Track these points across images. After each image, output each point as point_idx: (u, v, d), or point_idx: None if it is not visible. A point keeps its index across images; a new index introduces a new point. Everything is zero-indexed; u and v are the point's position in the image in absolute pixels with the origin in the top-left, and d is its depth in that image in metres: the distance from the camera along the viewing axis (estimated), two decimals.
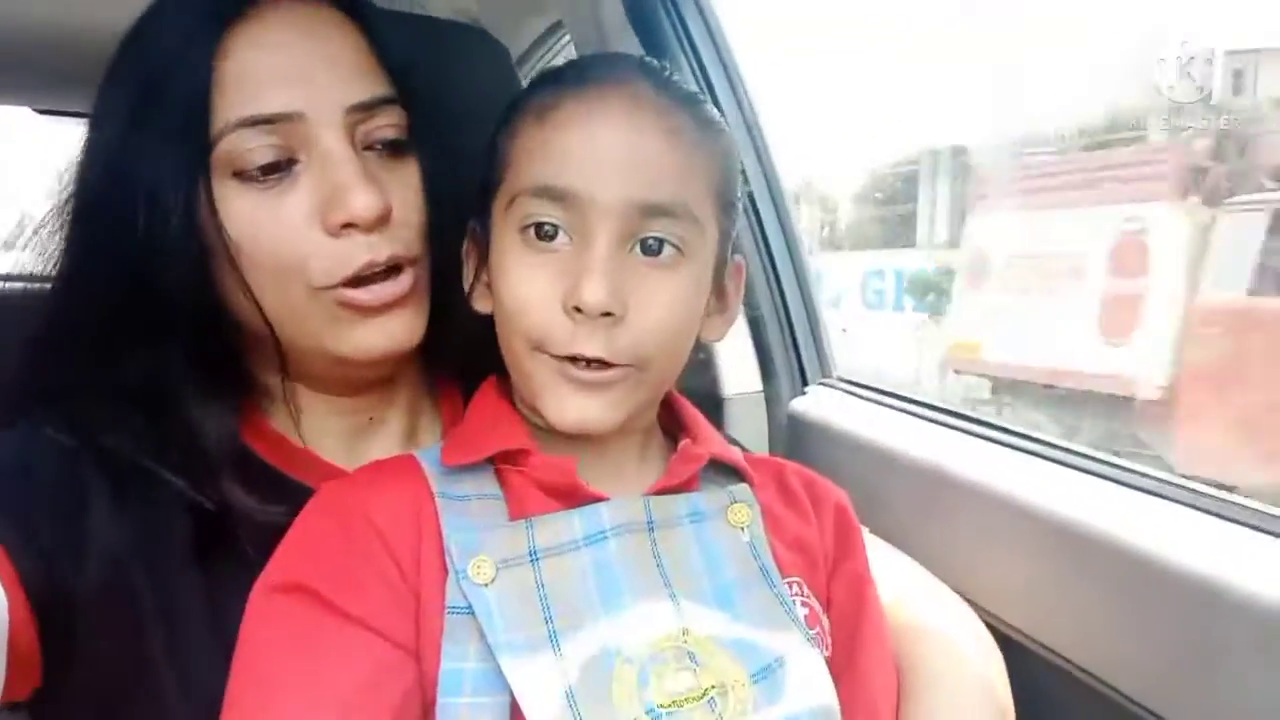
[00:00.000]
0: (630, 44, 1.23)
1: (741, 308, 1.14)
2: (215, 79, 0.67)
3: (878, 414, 1.13)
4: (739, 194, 0.70)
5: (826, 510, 0.75)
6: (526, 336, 0.63)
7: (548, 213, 0.62)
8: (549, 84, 0.66)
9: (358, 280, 0.69)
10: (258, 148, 0.67)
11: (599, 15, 1.24)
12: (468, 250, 0.72)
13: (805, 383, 1.25)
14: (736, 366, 1.25)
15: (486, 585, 0.60)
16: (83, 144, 0.73)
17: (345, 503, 0.65)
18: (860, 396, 1.19)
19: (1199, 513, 0.75)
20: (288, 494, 0.69)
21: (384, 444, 0.80)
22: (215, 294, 0.71)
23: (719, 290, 0.70)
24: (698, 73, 1.22)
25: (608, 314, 0.61)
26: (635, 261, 0.63)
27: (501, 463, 0.67)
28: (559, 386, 0.63)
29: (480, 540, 0.62)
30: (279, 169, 0.68)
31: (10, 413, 0.72)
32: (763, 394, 1.25)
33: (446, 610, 0.60)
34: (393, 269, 0.71)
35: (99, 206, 0.71)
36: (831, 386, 1.24)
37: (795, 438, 1.21)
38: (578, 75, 0.66)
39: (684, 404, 0.75)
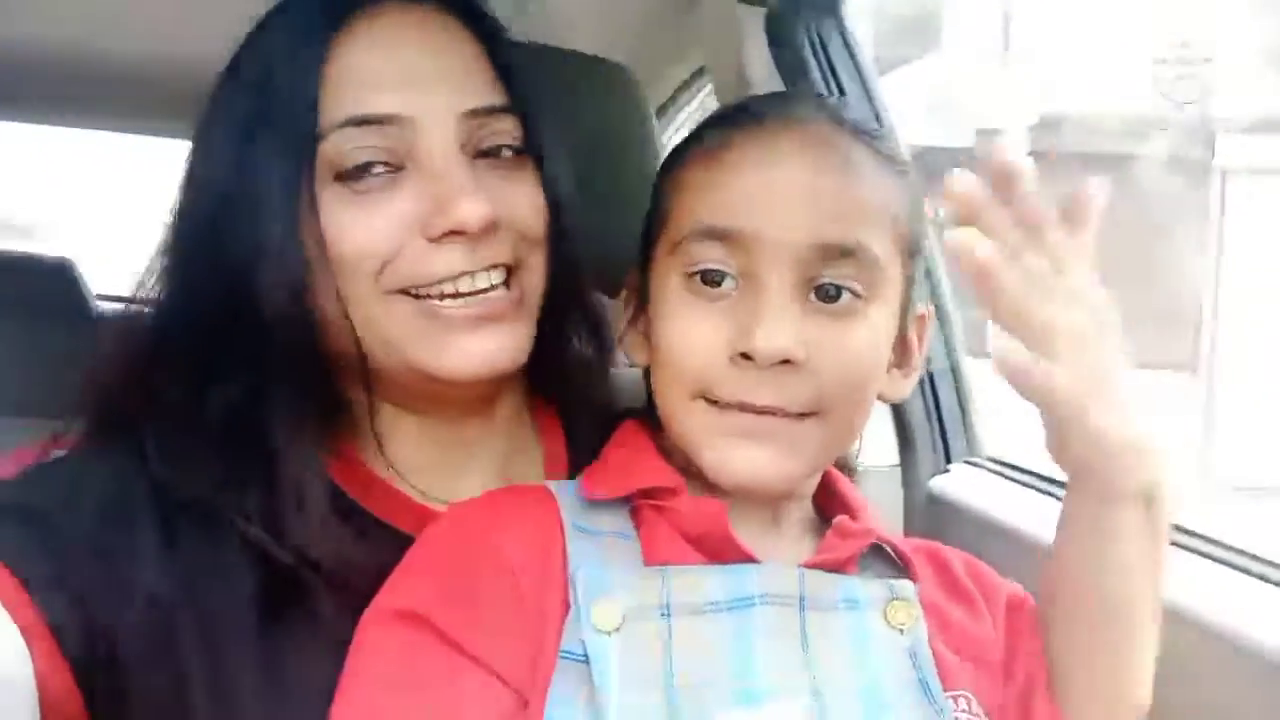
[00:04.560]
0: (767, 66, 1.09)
1: None
2: (324, 80, 0.61)
3: (1034, 501, 0.92)
4: (924, 238, 0.60)
5: (998, 604, 0.61)
6: (687, 384, 0.56)
7: (715, 257, 0.56)
8: (719, 124, 0.60)
9: (453, 293, 0.61)
10: (362, 148, 0.61)
11: (743, 63, 1.10)
12: (626, 297, 0.64)
13: (949, 460, 1.06)
14: (871, 435, 1.05)
15: (610, 633, 0.52)
16: (189, 156, 0.67)
17: (472, 530, 0.57)
18: (1014, 480, 0.98)
19: None
20: (370, 535, 0.61)
21: (478, 481, 0.68)
22: (309, 308, 0.62)
23: (901, 342, 0.60)
24: None
25: (785, 361, 0.53)
26: (812, 309, 0.55)
27: (642, 503, 0.58)
28: (722, 437, 0.55)
29: (610, 580, 0.54)
30: (382, 174, 0.61)
31: (93, 434, 0.66)
32: (899, 468, 1.06)
33: (560, 654, 0.52)
34: (497, 284, 0.62)
35: (204, 216, 0.65)
36: (979, 466, 1.04)
37: (934, 520, 1.02)
38: (751, 114, 0.60)
39: (840, 477, 0.63)
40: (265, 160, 0.61)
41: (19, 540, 0.58)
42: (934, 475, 1.04)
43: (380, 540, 0.60)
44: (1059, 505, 0.88)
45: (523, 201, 0.65)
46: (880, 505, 1.01)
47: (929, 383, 1.06)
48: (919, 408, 1.05)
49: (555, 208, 0.66)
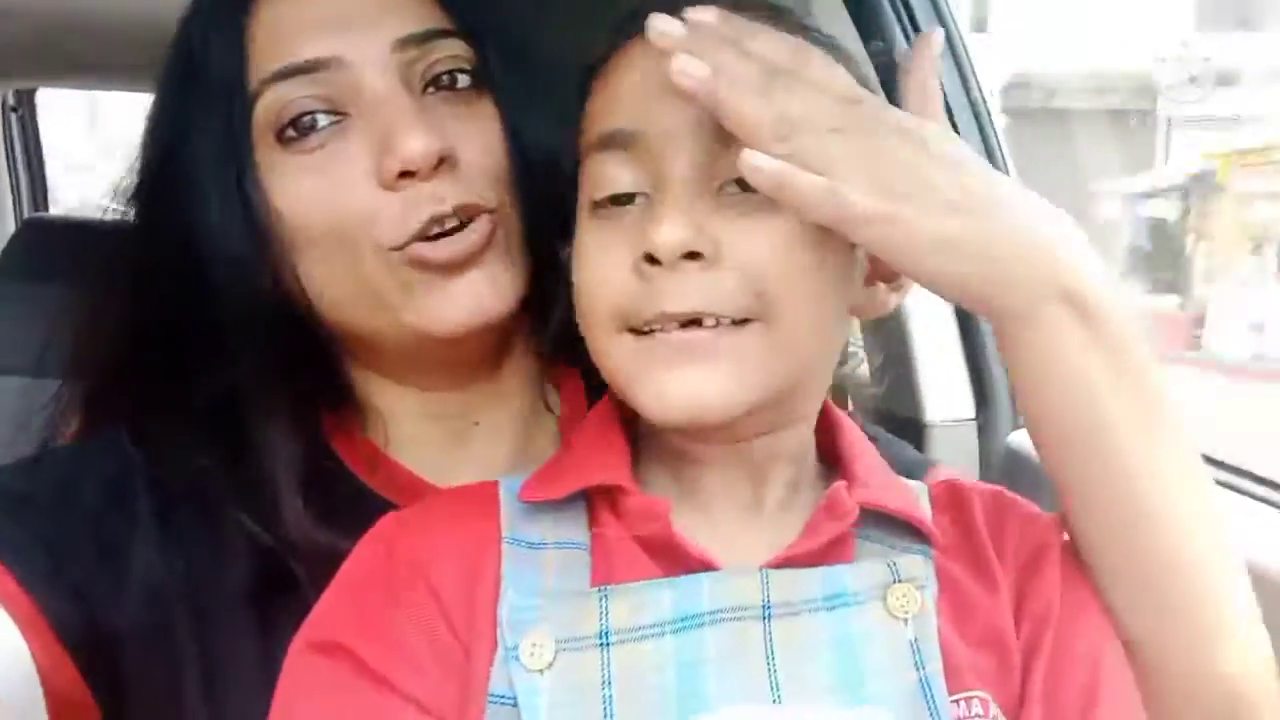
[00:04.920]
0: (839, 23, 1.00)
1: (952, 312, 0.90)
2: (249, 38, 0.59)
3: None
4: None
5: (1009, 540, 0.52)
6: (602, 314, 0.48)
7: (616, 170, 0.49)
8: (621, 27, 0.52)
9: (427, 237, 0.57)
10: (296, 99, 0.57)
11: None
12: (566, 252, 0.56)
13: None
14: (944, 386, 1.01)
15: (541, 670, 0.45)
16: (140, 138, 0.64)
17: (397, 545, 0.51)
18: None
19: None
20: (375, 514, 0.56)
21: (488, 454, 0.65)
22: (280, 286, 0.60)
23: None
24: None
25: (692, 256, 0.45)
26: (725, 201, 0.47)
27: (599, 502, 0.51)
28: (653, 366, 0.47)
29: (540, 610, 0.46)
30: (325, 126, 0.58)
31: (92, 418, 0.65)
32: (975, 422, 1.01)
33: (488, 697, 0.45)
34: (468, 222, 0.58)
35: (152, 197, 0.63)
36: None
37: (1012, 478, 0.96)
38: (646, 9, 0.51)
39: (842, 422, 0.54)
40: (202, 132, 0.59)
41: (15, 533, 0.56)
42: (1014, 430, 0.99)
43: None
44: None
45: (481, 135, 0.60)
46: (954, 462, 0.98)
47: None
48: (996, 352, 0.98)
49: (516, 141, 0.61)
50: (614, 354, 0.49)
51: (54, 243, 1.30)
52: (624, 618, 0.45)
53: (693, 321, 0.46)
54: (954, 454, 0.99)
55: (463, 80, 0.60)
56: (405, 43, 0.58)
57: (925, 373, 1.01)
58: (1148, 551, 0.49)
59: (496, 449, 0.65)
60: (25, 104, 1.95)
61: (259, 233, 0.58)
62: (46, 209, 2.00)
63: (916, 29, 1.00)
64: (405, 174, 0.56)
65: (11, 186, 1.91)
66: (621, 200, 0.49)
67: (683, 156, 0.47)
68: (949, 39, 1.01)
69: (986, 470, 1.00)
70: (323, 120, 0.57)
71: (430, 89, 0.60)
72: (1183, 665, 0.49)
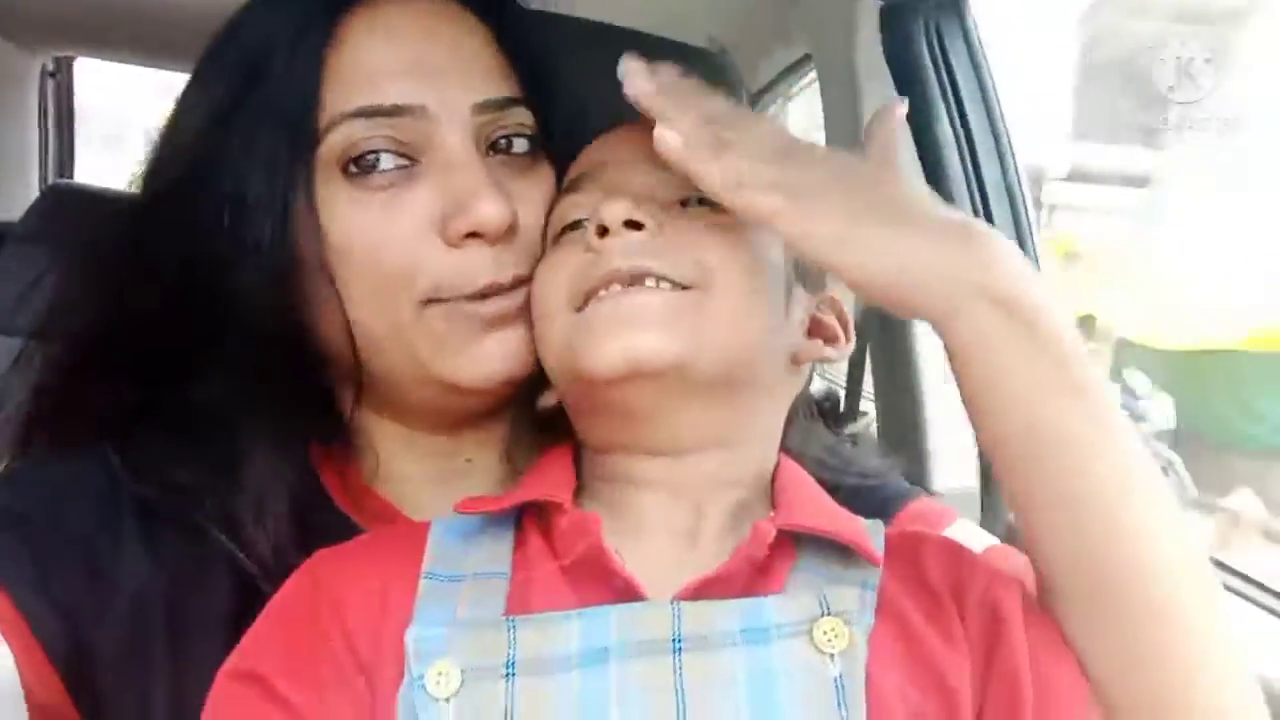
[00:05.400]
0: (882, 86, 1.03)
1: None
2: (326, 69, 0.57)
3: None
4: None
5: (971, 599, 0.48)
6: (558, 302, 0.52)
7: (578, 201, 0.56)
8: None
9: (477, 296, 0.58)
10: (373, 138, 0.57)
11: (851, 53, 1.04)
12: None
13: None
14: (953, 458, 1.00)
15: (446, 699, 0.43)
16: (162, 132, 0.62)
17: (319, 581, 0.51)
18: None
19: None
20: None
21: (477, 492, 0.63)
22: (298, 312, 0.59)
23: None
24: (960, 132, 1.02)
25: (633, 226, 0.50)
26: (676, 211, 0.53)
27: (530, 528, 0.51)
28: (592, 322, 0.50)
29: (448, 640, 0.45)
30: (390, 168, 0.57)
31: (72, 429, 0.62)
32: (979, 496, 1.00)
33: None
34: (518, 286, 0.59)
35: (175, 202, 0.60)
36: None
37: None
38: None
39: (782, 461, 0.55)
40: (258, 151, 0.57)
41: (5, 547, 0.55)
42: None
43: None
44: None
45: (537, 204, 0.60)
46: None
47: None
48: None
49: None
50: (559, 329, 0.52)
51: (74, 210, 1.30)
52: (531, 647, 0.44)
53: (636, 285, 0.49)
54: None
55: (519, 145, 0.61)
56: (486, 106, 0.59)
57: (935, 441, 1.00)
58: (1116, 585, 0.46)
59: (480, 486, 0.65)
60: (64, 71, 1.96)
61: (294, 257, 0.57)
62: (72, 176, 2.00)
63: (951, 72, 1.01)
64: (472, 235, 0.57)
65: (40, 151, 1.91)
66: (581, 224, 0.54)
67: (635, 179, 0.53)
68: (989, 113, 1.01)
69: None
70: (387, 161, 0.57)
71: (489, 152, 0.60)
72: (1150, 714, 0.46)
